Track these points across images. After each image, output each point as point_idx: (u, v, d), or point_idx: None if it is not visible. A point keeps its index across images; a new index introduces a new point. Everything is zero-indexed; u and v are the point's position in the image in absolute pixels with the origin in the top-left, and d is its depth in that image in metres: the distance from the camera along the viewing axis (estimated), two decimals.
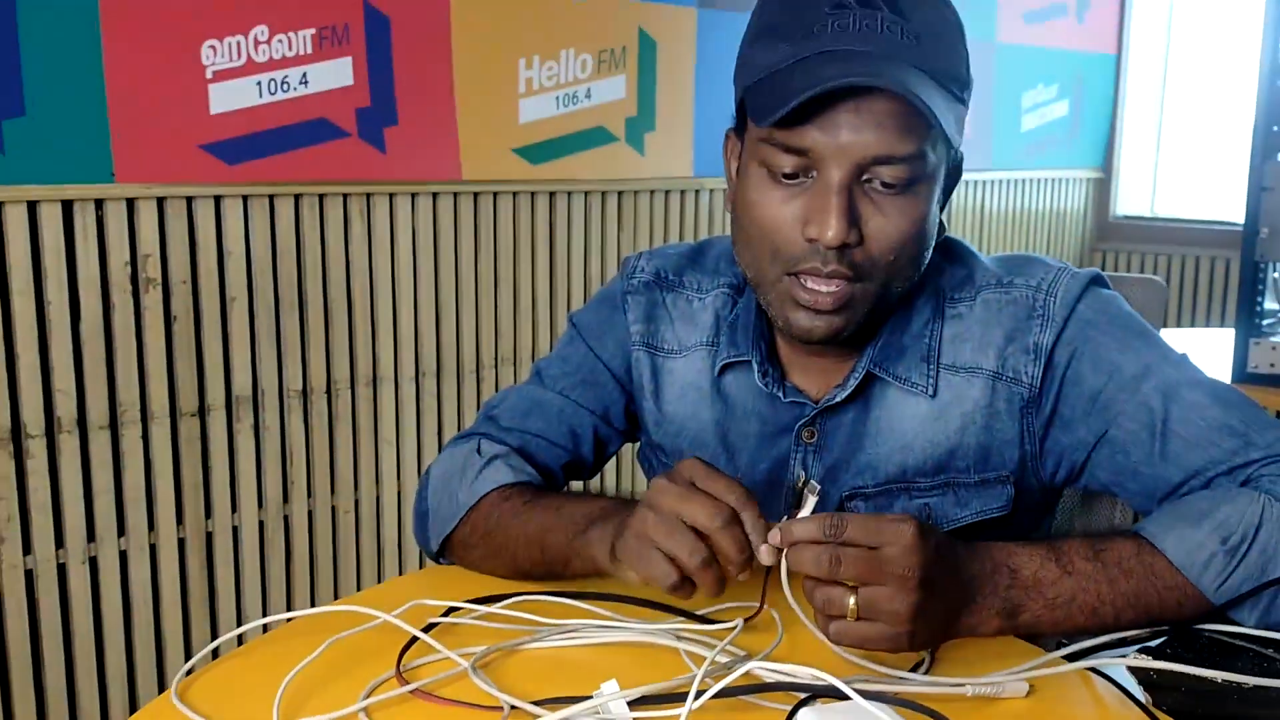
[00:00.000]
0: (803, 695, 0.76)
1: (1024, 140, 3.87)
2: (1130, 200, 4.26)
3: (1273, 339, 2.26)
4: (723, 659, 0.80)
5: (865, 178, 0.93)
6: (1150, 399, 0.97)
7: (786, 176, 0.94)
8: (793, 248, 0.94)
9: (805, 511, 0.84)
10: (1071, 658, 0.86)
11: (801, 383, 1.06)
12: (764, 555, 0.82)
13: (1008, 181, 3.85)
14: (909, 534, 0.80)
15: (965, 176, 3.52)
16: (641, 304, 1.14)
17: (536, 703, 0.76)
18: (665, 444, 1.14)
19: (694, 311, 1.12)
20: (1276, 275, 2.28)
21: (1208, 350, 2.36)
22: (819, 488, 0.85)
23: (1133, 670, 0.86)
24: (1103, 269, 4.11)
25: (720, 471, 0.86)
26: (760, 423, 1.08)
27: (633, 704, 0.75)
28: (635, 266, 1.17)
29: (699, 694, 0.72)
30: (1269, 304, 2.29)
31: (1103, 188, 4.24)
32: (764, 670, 0.78)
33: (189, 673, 0.82)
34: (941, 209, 1.01)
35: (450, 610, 0.91)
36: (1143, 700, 0.80)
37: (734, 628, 0.84)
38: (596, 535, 0.93)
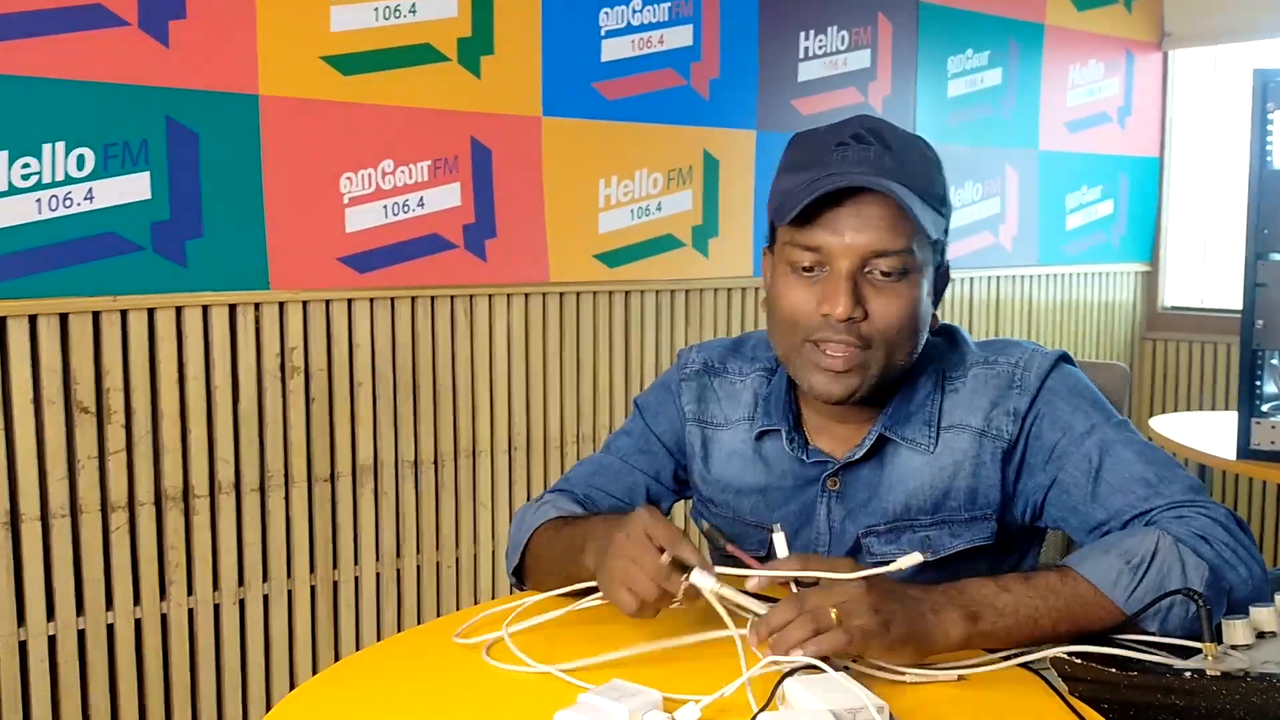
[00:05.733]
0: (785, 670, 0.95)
1: (1069, 238, 4.01)
2: (1178, 292, 4.32)
3: (1272, 420, 2.39)
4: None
5: (866, 269, 1.15)
6: (1091, 452, 1.17)
7: (805, 270, 1.17)
8: (812, 322, 1.16)
9: (781, 551, 1.04)
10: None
11: (825, 445, 1.26)
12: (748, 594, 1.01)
13: (1055, 276, 3.98)
14: (857, 589, 0.99)
15: (1014, 272, 3.76)
16: (694, 388, 1.35)
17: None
18: (715, 498, 1.33)
19: (736, 391, 1.33)
20: (1275, 362, 2.40)
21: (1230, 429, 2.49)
22: (780, 526, 1.07)
23: (1054, 663, 1.04)
24: (1153, 357, 4.27)
25: (666, 522, 1.03)
26: (793, 478, 1.27)
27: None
28: (687, 359, 1.37)
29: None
30: (1268, 388, 2.41)
31: (1151, 280, 4.31)
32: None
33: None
34: (935, 304, 1.23)
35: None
36: (1060, 689, 0.98)
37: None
38: (589, 560, 1.12)
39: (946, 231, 1.23)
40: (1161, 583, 1.06)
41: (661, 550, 1.02)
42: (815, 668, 0.95)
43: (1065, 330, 4.05)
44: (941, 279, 1.25)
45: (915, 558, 1.00)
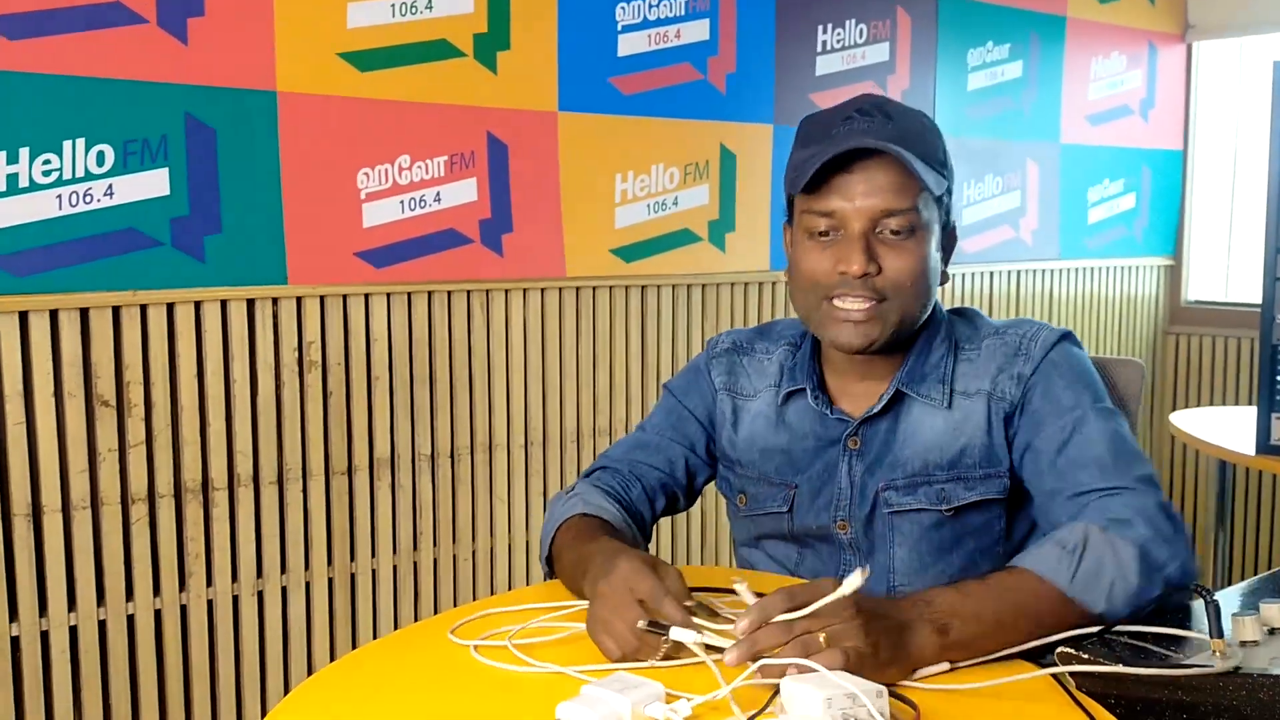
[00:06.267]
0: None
1: (1091, 232, 3.98)
2: (1202, 286, 4.29)
3: None
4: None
5: (877, 229, 1.26)
6: (1066, 425, 1.26)
7: (821, 234, 1.28)
8: (830, 280, 1.27)
9: (749, 599, 1.01)
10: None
11: (845, 406, 1.36)
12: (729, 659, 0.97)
13: (1077, 270, 3.96)
14: (848, 607, 0.99)
15: (1035, 266, 3.73)
16: (724, 364, 1.46)
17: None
18: (742, 459, 1.43)
19: (764, 365, 1.44)
20: None
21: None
22: (741, 579, 1.05)
23: (1060, 657, 1.04)
24: (1176, 352, 4.23)
25: (649, 574, 1.05)
26: (815, 438, 1.37)
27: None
28: (717, 341, 1.50)
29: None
30: None
31: (1174, 274, 4.28)
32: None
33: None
34: (945, 261, 1.34)
35: None
36: (1066, 683, 0.99)
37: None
38: (587, 589, 1.13)
39: (950, 193, 1.33)
40: (1099, 564, 1.11)
41: (643, 602, 1.03)
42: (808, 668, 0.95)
43: (1087, 325, 4.03)
44: (949, 238, 1.35)
45: (856, 579, 0.98)
